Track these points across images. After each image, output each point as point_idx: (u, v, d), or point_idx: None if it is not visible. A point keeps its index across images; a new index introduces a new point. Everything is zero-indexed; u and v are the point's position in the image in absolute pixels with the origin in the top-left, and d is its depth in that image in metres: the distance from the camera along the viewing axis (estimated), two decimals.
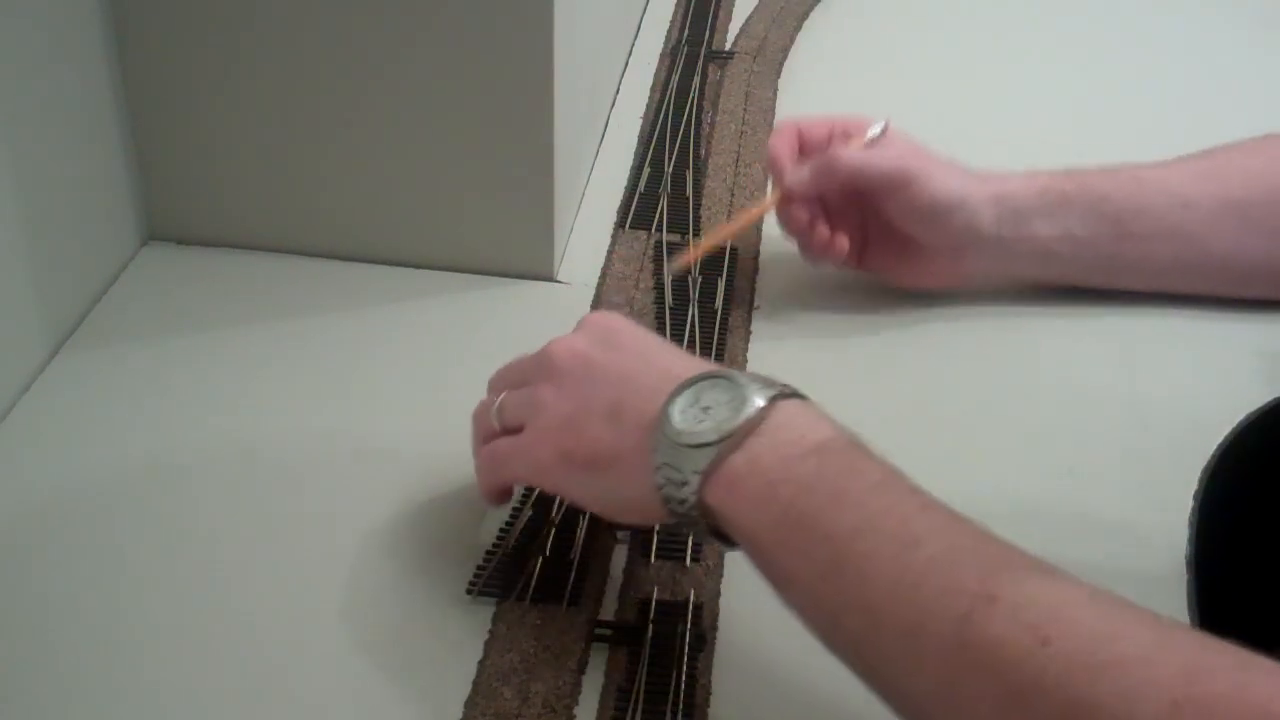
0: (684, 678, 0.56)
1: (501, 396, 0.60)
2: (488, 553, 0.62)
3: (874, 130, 0.77)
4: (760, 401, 0.51)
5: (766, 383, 0.52)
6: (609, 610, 0.60)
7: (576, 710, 0.55)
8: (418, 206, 0.79)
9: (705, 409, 0.52)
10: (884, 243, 0.78)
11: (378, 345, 0.75)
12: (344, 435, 0.69)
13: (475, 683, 0.56)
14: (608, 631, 0.58)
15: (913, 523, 0.48)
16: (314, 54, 0.74)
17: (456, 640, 0.58)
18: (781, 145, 0.77)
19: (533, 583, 0.60)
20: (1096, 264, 0.79)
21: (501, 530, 0.63)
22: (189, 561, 0.62)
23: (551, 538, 0.62)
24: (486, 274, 0.80)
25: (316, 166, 0.78)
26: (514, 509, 0.64)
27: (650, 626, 0.59)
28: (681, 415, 0.52)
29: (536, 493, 0.64)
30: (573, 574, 0.61)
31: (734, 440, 0.51)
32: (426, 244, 0.80)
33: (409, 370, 0.74)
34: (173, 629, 0.58)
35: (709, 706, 0.56)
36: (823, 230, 0.77)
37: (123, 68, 0.76)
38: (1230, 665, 0.42)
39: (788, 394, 0.53)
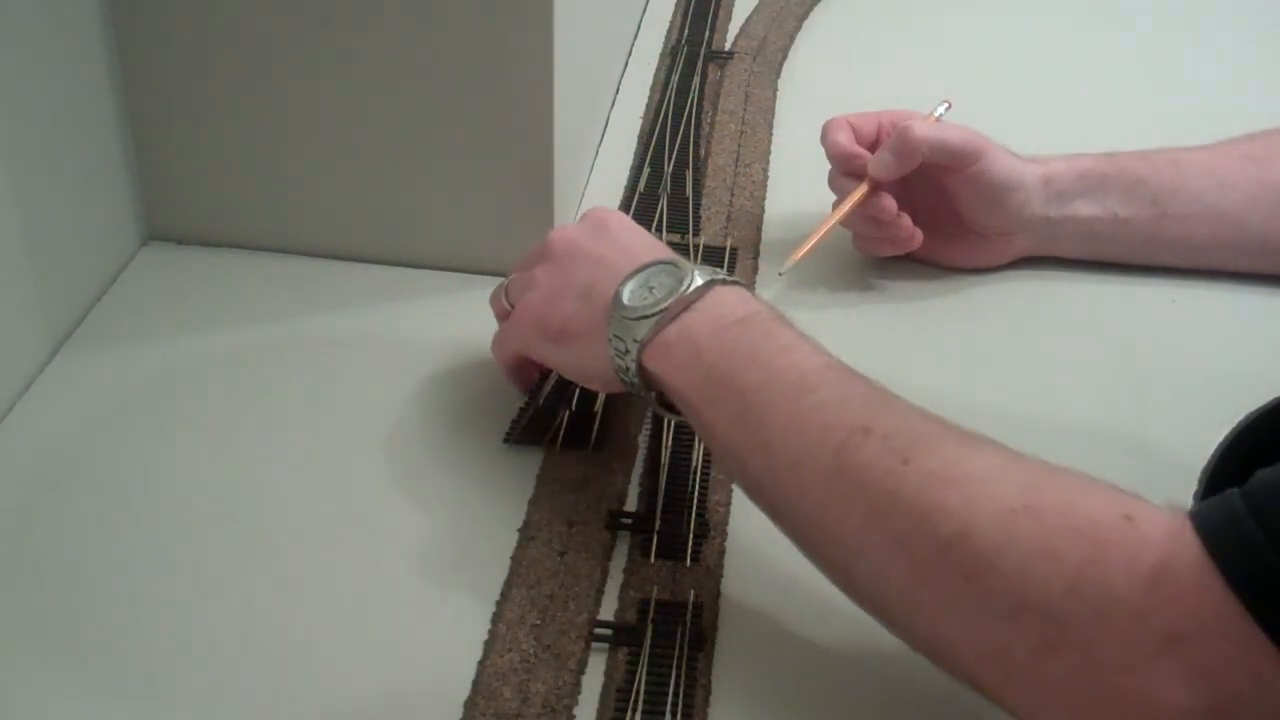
0: (684, 678, 0.56)
1: (510, 277, 0.68)
2: (520, 409, 0.68)
3: (940, 109, 0.82)
4: (698, 282, 0.58)
5: (710, 271, 0.59)
6: (609, 610, 0.60)
7: (576, 710, 0.55)
8: (417, 206, 0.79)
9: (651, 289, 0.59)
10: (935, 227, 0.80)
11: (377, 345, 0.75)
12: (343, 433, 0.69)
13: (475, 683, 0.56)
14: (608, 631, 0.58)
15: (811, 376, 0.55)
16: (314, 54, 0.74)
17: (456, 637, 0.58)
18: (846, 139, 0.79)
19: (561, 432, 0.68)
20: (1137, 242, 0.82)
21: (531, 390, 0.68)
22: (189, 560, 0.62)
23: (577, 394, 0.68)
24: (486, 274, 0.80)
25: (316, 167, 0.78)
26: (542, 372, 0.68)
27: (650, 626, 0.59)
28: (630, 294, 0.59)
29: None
30: (596, 423, 0.68)
31: (669, 314, 0.58)
32: (426, 244, 0.80)
33: (408, 370, 0.73)
34: (173, 629, 0.58)
35: (709, 706, 0.56)
36: (908, 219, 0.79)
37: (123, 68, 0.76)
38: (1067, 485, 0.48)
39: (729, 282, 0.59)
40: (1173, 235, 0.81)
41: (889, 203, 0.78)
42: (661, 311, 0.58)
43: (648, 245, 0.64)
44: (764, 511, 0.56)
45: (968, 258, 0.82)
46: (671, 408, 0.60)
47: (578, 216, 0.68)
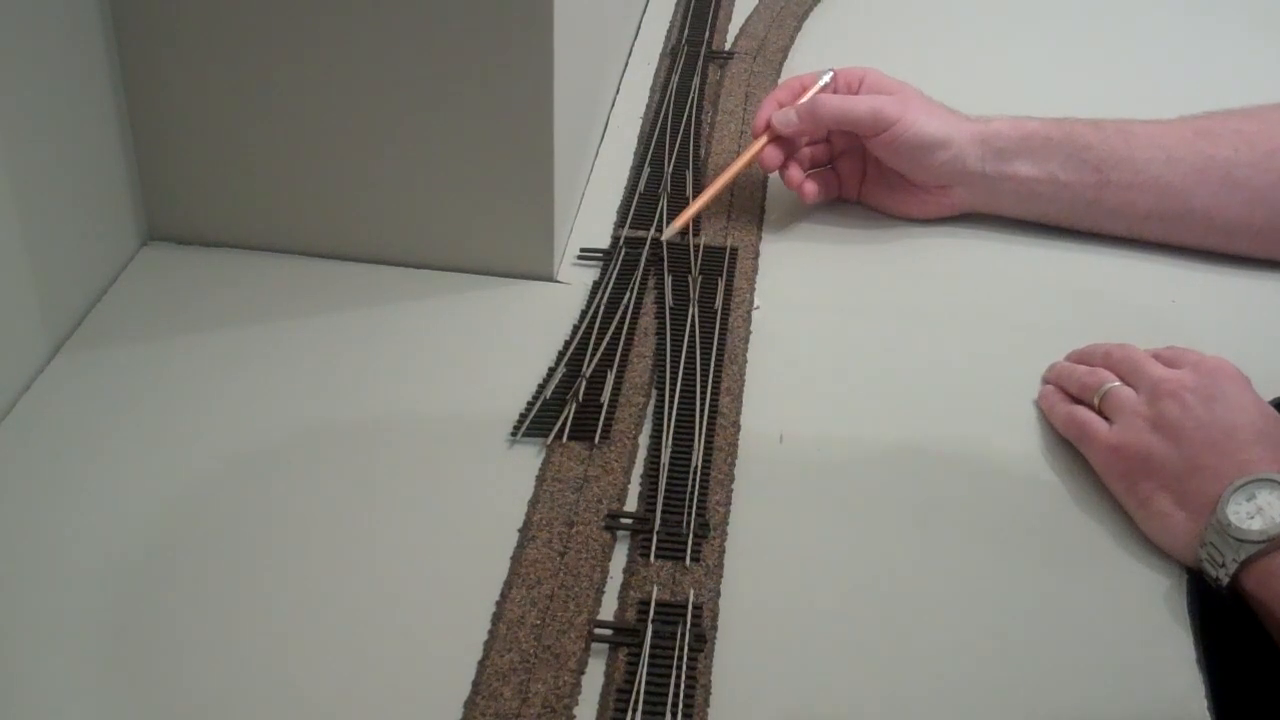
0: (684, 678, 0.56)
1: (1116, 387, 0.67)
2: (528, 403, 0.69)
3: (824, 79, 0.85)
4: None
5: None
6: (609, 610, 0.60)
7: (576, 710, 0.55)
8: (418, 206, 0.79)
9: (1260, 510, 0.58)
10: (879, 178, 0.86)
11: (378, 345, 0.75)
12: (343, 434, 0.69)
13: (475, 683, 0.56)
14: (607, 632, 0.58)
15: None
16: (314, 54, 0.74)
17: (457, 637, 0.58)
18: (773, 95, 0.86)
19: (568, 424, 0.68)
20: (1078, 207, 0.84)
21: (539, 385, 0.69)
22: (185, 560, 0.62)
23: (583, 388, 0.70)
24: (486, 274, 0.80)
25: (317, 167, 0.78)
26: (549, 367, 0.72)
27: (650, 626, 0.59)
28: (1234, 509, 0.58)
29: (570, 351, 0.73)
30: (602, 414, 0.69)
31: (1276, 544, 0.56)
32: (426, 244, 0.80)
33: (409, 370, 0.74)
34: (168, 627, 0.58)
35: (709, 706, 0.56)
36: (795, 173, 0.85)
37: (123, 68, 0.76)
38: None
39: None
40: (1115, 203, 0.82)
41: (772, 154, 0.84)
42: (1268, 540, 0.57)
43: (1254, 431, 0.62)
44: None
45: (910, 207, 0.86)
46: (1239, 599, 0.58)
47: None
